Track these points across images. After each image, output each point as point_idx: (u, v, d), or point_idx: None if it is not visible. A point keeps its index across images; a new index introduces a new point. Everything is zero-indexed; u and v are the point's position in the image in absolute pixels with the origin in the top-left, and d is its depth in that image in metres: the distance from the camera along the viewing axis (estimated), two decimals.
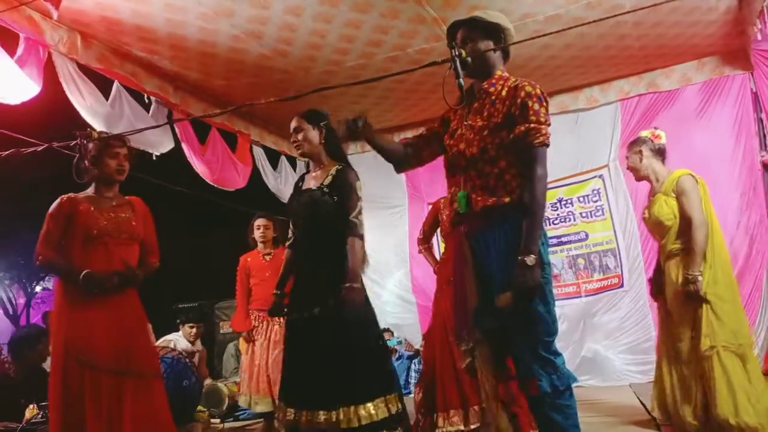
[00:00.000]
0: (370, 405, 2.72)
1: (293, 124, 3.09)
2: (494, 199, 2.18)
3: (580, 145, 6.12)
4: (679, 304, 3.32)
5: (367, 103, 6.06)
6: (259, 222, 4.98)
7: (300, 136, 3.05)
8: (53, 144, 3.01)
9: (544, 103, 2.18)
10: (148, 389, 2.92)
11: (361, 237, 2.91)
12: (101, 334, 2.85)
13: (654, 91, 5.84)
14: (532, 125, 2.14)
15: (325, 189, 2.94)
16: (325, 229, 2.92)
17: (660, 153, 3.55)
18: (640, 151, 3.55)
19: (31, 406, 3.99)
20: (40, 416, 3.86)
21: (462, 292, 2.29)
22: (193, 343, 5.99)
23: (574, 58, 5.35)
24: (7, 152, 3.19)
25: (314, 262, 2.93)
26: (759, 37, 4.56)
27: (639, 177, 3.63)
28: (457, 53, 2.23)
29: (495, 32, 2.33)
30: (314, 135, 3.05)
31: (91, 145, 3.07)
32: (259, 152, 6.44)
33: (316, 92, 2.74)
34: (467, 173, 2.25)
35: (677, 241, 3.37)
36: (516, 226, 2.11)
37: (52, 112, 4.56)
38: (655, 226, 3.52)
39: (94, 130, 3.08)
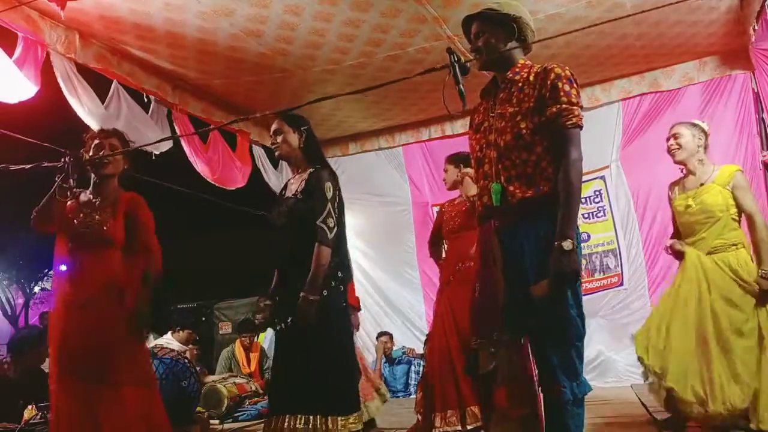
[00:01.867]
0: (288, 418, 2.70)
1: (274, 126, 3.04)
2: (533, 189, 2.09)
3: (582, 146, 6.08)
4: (735, 299, 3.20)
5: (367, 102, 6.06)
6: None
7: (279, 138, 3.00)
8: (42, 164, 2.89)
9: (575, 85, 2.11)
10: (127, 398, 2.76)
11: (329, 244, 2.76)
12: (74, 340, 2.74)
13: (656, 91, 5.82)
14: (564, 106, 2.07)
15: (299, 196, 2.90)
16: (302, 238, 2.83)
17: (706, 148, 3.45)
18: (702, 139, 3.41)
19: (29, 407, 3.98)
20: (38, 417, 3.84)
21: (490, 291, 2.20)
22: (185, 345, 5.95)
23: (575, 57, 5.33)
24: None
25: (293, 271, 2.86)
26: (755, 38, 4.55)
27: (682, 159, 3.41)
28: (455, 59, 2.17)
29: (507, 23, 2.26)
30: (294, 138, 2.99)
31: (85, 141, 3.01)
32: (259, 151, 6.43)
33: (329, 99, 2.69)
34: (501, 164, 2.15)
35: (723, 236, 3.25)
36: (553, 220, 2.03)
37: (49, 111, 4.54)
38: (698, 216, 3.31)
39: (85, 150, 2.92)
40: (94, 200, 2.94)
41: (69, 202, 2.87)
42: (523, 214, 2.12)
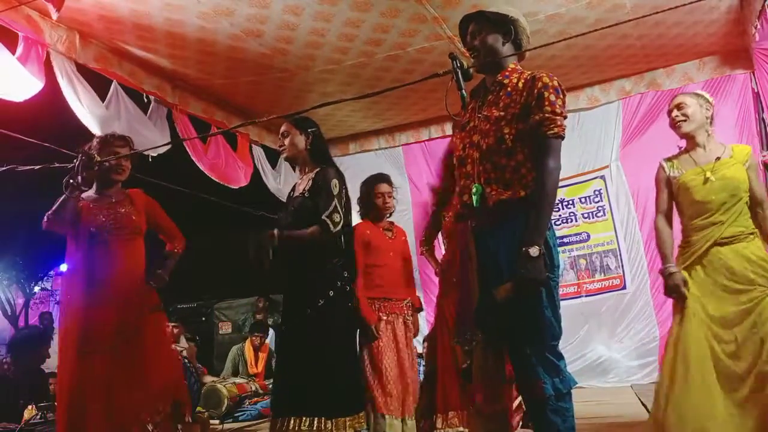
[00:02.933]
0: (293, 420, 2.71)
1: (282, 129, 3.10)
2: (509, 193, 2.11)
3: (582, 146, 6.10)
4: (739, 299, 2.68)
5: (367, 102, 6.05)
6: (384, 188, 3.97)
7: (286, 141, 3.05)
8: (51, 164, 3.00)
9: (561, 95, 2.13)
10: (150, 374, 2.95)
11: (325, 237, 2.80)
12: (103, 326, 2.89)
13: (655, 91, 5.83)
14: (546, 115, 2.08)
15: (306, 195, 2.92)
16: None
17: (713, 120, 3.01)
18: (710, 114, 2.97)
19: (29, 407, 3.98)
20: (38, 417, 3.85)
21: (466, 290, 2.23)
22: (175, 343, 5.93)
23: (575, 58, 5.33)
24: (3, 168, 3.22)
25: (300, 271, 2.88)
26: (758, 38, 4.54)
27: (689, 131, 2.96)
28: (458, 65, 2.18)
29: (503, 24, 2.28)
30: (300, 140, 3.04)
31: (95, 143, 3.10)
32: (258, 152, 6.41)
33: (333, 103, 2.70)
34: (482, 166, 2.17)
35: (739, 223, 2.77)
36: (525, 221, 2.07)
37: (49, 111, 4.54)
38: (719, 194, 2.80)
39: (95, 154, 3.03)
40: (109, 198, 3.13)
41: (82, 204, 3.02)
42: (499, 216, 2.13)
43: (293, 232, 2.81)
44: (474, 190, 2.17)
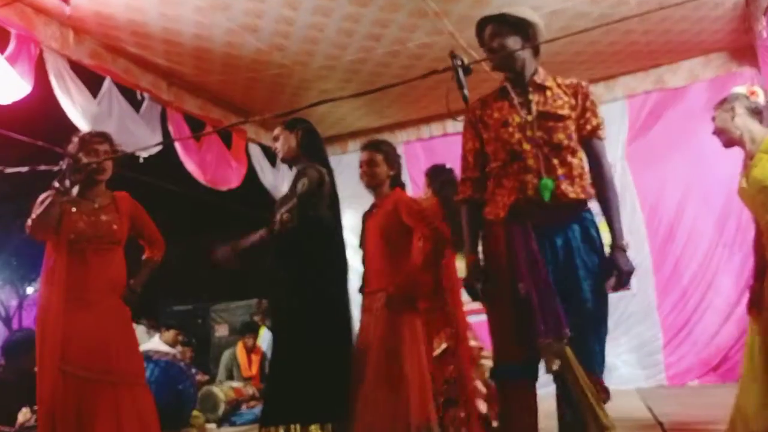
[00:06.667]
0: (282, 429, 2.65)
1: (274, 133, 3.10)
2: (579, 190, 2.22)
3: None
4: None
5: (367, 99, 5.98)
6: (361, 156, 3.30)
7: (279, 144, 3.06)
8: (38, 167, 2.85)
9: None
10: (129, 397, 2.80)
11: (270, 235, 2.77)
12: (80, 340, 2.74)
13: (661, 89, 5.78)
14: (600, 121, 2.29)
15: (288, 193, 2.90)
16: (288, 234, 2.79)
17: (757, 113, 2.80)
18: (733, 108, 2.79)
19: (23, 409, 3.93)
20: (32, 420, 3.80)
21: (548, 291, 2.15)
22: (173, 347, 5.81)
23: (579, 54, 5.29)
24: None
25: (280, 269, 2.88)
26: (765, 35, 4.52)
27: (728, 141, 2.83)
28: (458, 62, 2.16)
29: (523, 28, 2.33)
30: (291, 139, 3.02)
31: (74, 143, 2.95)
32: (256, 150, 6.33)
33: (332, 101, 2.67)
34: (548, 162, 2.20)
35: None
36: (591, 220, 2.26)
37: (43, 109, 4.46)
38: (757, 196, 2.68)
39: (80, 155, 2.85)
40: (92, 203, 2.96)
41: (65, 208, 2.84)
42: (572, 213, 2.23)
43: (246, 241, 2.81)
44: (544, 184, 2.18)
